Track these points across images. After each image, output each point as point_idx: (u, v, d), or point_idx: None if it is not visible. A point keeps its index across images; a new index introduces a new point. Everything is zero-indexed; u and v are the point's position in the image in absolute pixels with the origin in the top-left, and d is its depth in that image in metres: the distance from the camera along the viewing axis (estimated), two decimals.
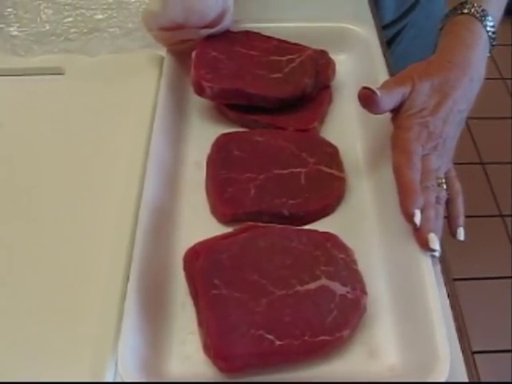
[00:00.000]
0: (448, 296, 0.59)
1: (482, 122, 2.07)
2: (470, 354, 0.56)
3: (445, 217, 0.60)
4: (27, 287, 0.58)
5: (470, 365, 0.55)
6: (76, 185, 0.67)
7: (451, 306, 0.58)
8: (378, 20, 0.88)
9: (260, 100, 0.70)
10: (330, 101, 0.75)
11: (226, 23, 0.74)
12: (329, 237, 0.58)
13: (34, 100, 0.77)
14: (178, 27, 0.71)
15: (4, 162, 0.69)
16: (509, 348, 1.57)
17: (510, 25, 2.17)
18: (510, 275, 1.72)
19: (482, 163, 2.00)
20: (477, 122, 2.03)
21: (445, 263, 0.61)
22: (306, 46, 0.75)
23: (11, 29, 0.83)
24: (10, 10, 0.86)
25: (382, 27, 0.91)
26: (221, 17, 0.72)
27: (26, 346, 0.54)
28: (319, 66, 0.74)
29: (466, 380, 0.54)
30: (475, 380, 0.54)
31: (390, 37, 1.08)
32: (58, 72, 0.79)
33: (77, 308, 0.57)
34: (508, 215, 1.87)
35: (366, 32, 0.80)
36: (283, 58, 0.73)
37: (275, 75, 0.71)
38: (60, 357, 0.54)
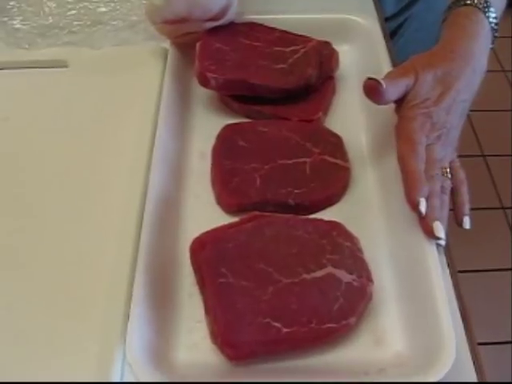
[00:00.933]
0: (453, 283, 0.59)
1: (484, 114, 2.07)
2: (474, 341, 0.57)
3: (450, 209, 0.60)
4: (36, 278, 0.59)
5: (475, 352, 0.56)
6: (82, 177, 0.67)
7: (456, 294, 0.58)
8: (380, 11, 0.88)
9: (264, 91, 0.70)
10: (333, 91, 0.76)
11: (229, 16, 0.74)
12: (334, 225, 0.59)
13: (38, 93, 0.77)
14: (182, 20, 0.72)
15: (10, 155, 0.70)
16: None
17: (510, 17, 2.17)
18: (511, 267, 1.72)
19: (483, 155, 2.00)
20: (478, 115, 2.02)
21: (449, 252, 0.62)
22: (309, 37, 0.75)
23: (15, 22, 0.84)
24: (13, 3, 0.86)
25: (384, 19, 0.91)
26: (225, 10, 0.72)
27: (34, 337, 0.55)
28: (323, 57, 0.74)
29: (472, 367, 0.54)
30: (479, 368, 0.55)
31: (392, 29, 1.08)
32: (61, 65, 0.79)
33: (85, 298, 0.57)
34: (509, 207, 1.87)
35: (369, 23, 0.80)
36: (287, 49, 0.73)
37: (279, 66, 0.71)
38: (69, 346, 0.54)
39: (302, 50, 0.73)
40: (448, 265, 0.61)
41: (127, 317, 0.52)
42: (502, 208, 1.86)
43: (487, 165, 1.97)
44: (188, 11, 0.70)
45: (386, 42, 0.78)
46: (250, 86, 0.69)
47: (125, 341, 0.50)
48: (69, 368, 0.53)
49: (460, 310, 0.58)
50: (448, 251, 0.61)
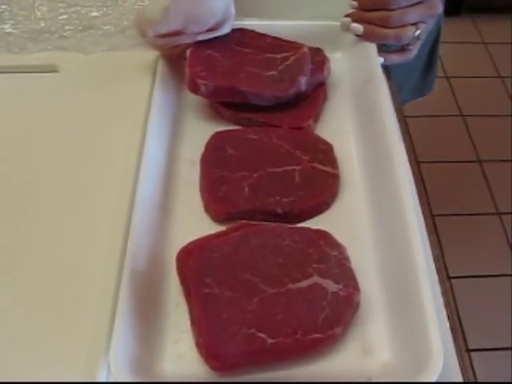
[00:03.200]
0: (442, 293, 0.59)
1: (480, 119, 2.08)
2: (463, 351, 0.56)
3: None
4: (20, 286, 0.58)
5: (464, 361, 0.55)
6: (70, 183, 0.66)
7: (445, 303, 0.58)
8: None
9: (254, 98, 0.69)
10: (325, 98, 0.75)
11: (224, 30, 0.73)
12: (321, 234, 0.58)
13: (28, 98, 0.76)
14: (175, 34, 0.70)
15: None
16: (506, 346, 1.58)
17: (507, 23, 2.17)
18: (507, 273, 1.72)
19: (479, 161, 2.00)
20: (474, 120, 2.04)
21: (439, 260, 0.62)
22: (300, 44, 0.75)
23: (5, 26, 0.83)
24: (4, 6, 0.86)
25: None
26: (221, 23, 0.72)
27: (18, 346, 0.54)
28: (314, 64, 0.73)
29: (460, 376, 0.54)
30: (470, 377, 0.55)
31: None
32: (52, 70, 0.79)
33: (70, 308, 0.57)
34: (505, 213, 1.86)
35: None
36: (278, 56, 0.73)
37: (270, 73, 0.71)
38: (53, 357, 0.53)
39: (293, 57, 0.72)
40: (438, 272, 0.60)
41: (113, 327, 0.51)
42: (498, 213, 1.86)
43: (483, 170, 1.97)
44: (184, 25, 0.69)
45: (378, 48, 0.78)
46: (241, 93, 0.69)
47: (109, 352, 0.49)
48: (53, 377, 0.52)
49: (449, 317, 0.58)
50: (438, 258, 0.61)
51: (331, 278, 0.55)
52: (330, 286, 0.54)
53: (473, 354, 1.47)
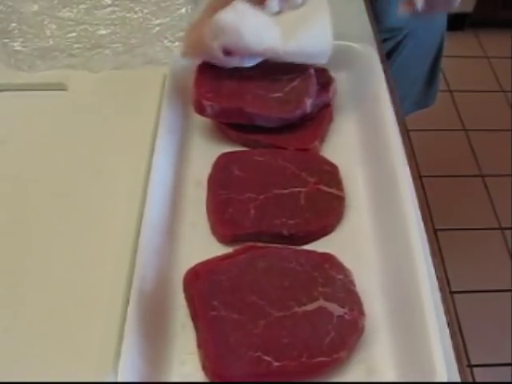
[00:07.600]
0: (445, 314, 0.59)
1: (482, 134, 2.09)
2: (467, 372, 0.57)
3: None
4: (29, 308, 0.59)
5: (466, 378, 0.56)
6: (77, 202, 0.67)
7: (448, 324, 0.59)
8: (378, 37, 0.89)
9: (260, 119, 0.70)
10: (330, 119, 0.76)
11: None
12: (327, 258, 0.59)
13: (36, 116, 0.77)
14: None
15: (7, 178, 0.70)
16: (509, 361, 1.57)
17: (509, 38, 2.19)
18: (509, 288, 1.72)
19: (481, 175, 2.00)
20: (477, 134, 2.05)
21: (442, 280, 0.62)
22: (306, 65, 0.75)
23: (15, 44, 0.84)
24: (14, 24, 0.86)
25: (383, 40, 0.91)
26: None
27: (25, 368, 0.55)
28: (320, 85, 0.74)
29: None
30: None
31: (390, 48, 1.10)
32: (60, 88, 0.80)
33: (78, 329, 0.57)
34: (508, 228, 1.87)
35: (366, 50, 0.80)
36: (284, 77, 0.73)
37: (276, 95, 0.71)
38: (61, 376, 0.54)
39: (299, 79, 0.73)
40: (441, 293, 0.61)
41: (120, 348, 0.52)
42: (500, 228, 1.86)
43: (485, 185, 1.98)
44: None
45: (384, 68, 0.78)
46: (246, 114, 0.70)
47: (117, 372, 0.50)
48: None
49: (453, 338, 0.58)
50: (442, 280, 0.62)
51: (337, 301, 0.55)
52: (336, 309, 0.55)
53: (475, 369, 1.47)
